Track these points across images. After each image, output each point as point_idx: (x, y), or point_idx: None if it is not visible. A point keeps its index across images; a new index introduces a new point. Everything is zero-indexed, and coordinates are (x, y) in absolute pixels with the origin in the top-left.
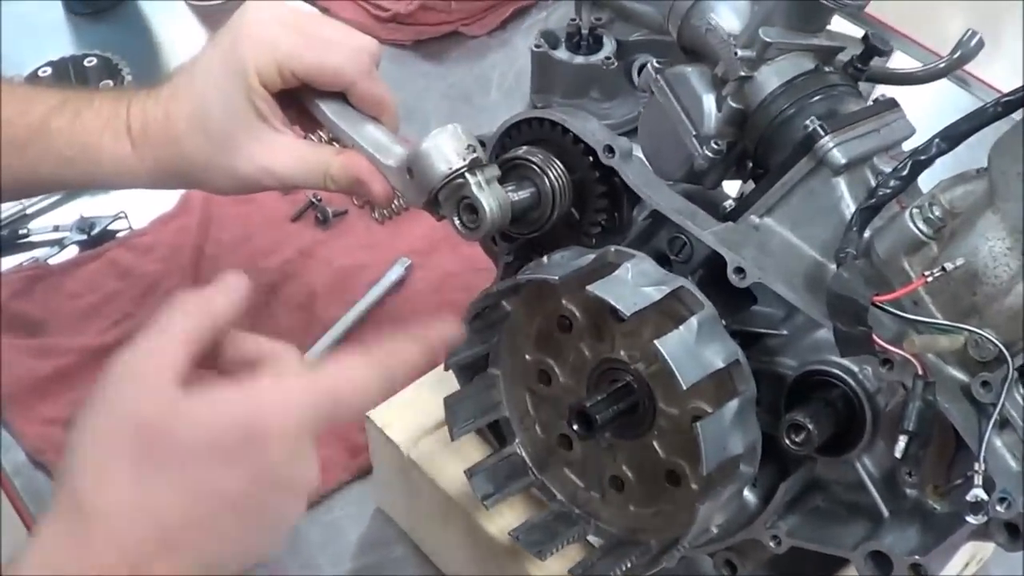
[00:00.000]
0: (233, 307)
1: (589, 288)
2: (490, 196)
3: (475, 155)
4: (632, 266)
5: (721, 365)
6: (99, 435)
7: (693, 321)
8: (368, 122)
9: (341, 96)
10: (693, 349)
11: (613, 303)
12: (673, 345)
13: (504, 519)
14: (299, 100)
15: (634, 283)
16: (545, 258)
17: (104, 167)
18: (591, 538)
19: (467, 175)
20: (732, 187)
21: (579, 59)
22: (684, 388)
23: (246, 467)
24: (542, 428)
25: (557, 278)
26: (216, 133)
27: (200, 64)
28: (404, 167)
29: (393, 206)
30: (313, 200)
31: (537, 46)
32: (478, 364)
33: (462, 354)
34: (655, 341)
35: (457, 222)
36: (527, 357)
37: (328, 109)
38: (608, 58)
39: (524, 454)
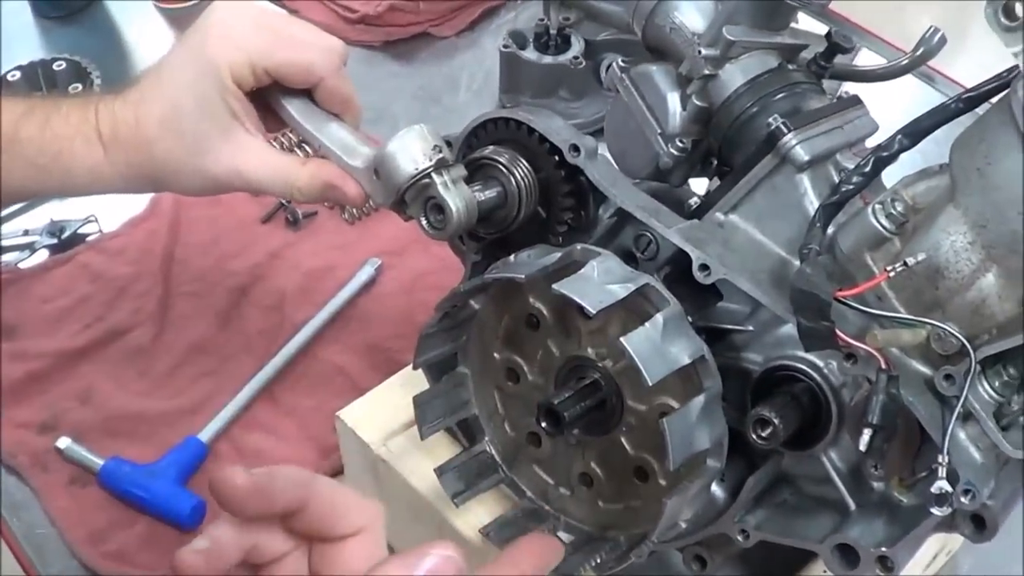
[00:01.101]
0: None
1: (555, 286)
2: (456, 196)
3: (441, 155)
4: (598, 264)
5: (687, 361)
6: None
7: (659, 318)
8: (333, 121)
9: (306, 95)
10: (659, 346)
11: (579, 301)
12: (639, 342)
13: (475, 517)
14: (265, 100)
15: (600, 281)
16: (512, 257)
17: (77, 174)
18: (561, 534)
19: (433, 175)
20: (701, 185)
21: (547, 59)
22: (650, 384)
23: None
24: (511, 426)
25: (523, 276)
26: (188, 134)
27: (169, 66)
28: (371, 168)
29: (363, 206)
30: (283, 202)
31: (505, 46)
32: (447, 363)
33: (430, 353)
34: (621, 338)
35: (424, 222)
36: (495, 355)
37: (294, 109)
38: (576, 58)
39: (493, 452)
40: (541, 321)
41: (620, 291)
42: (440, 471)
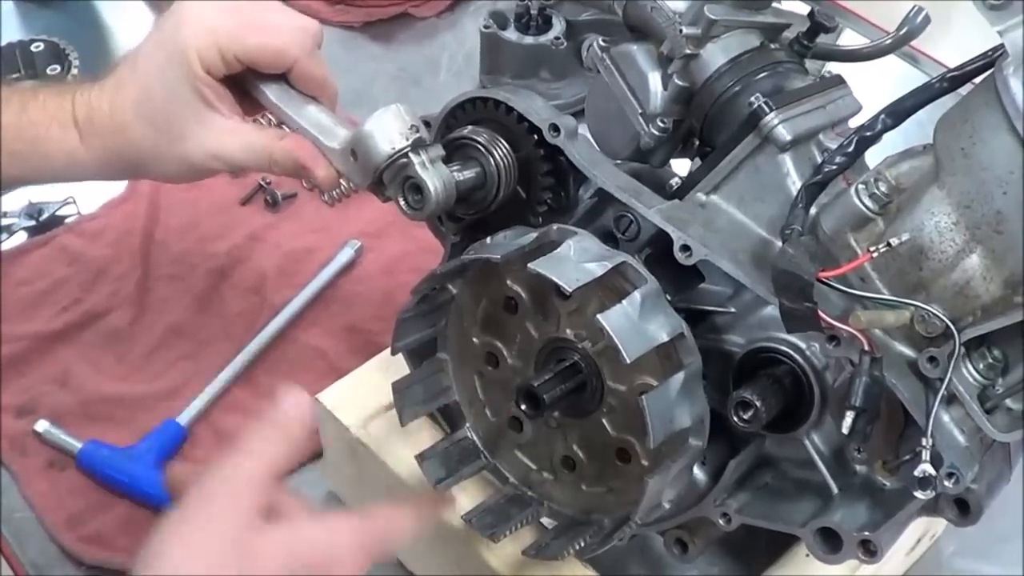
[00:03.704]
0: (305, 433)
1: (531, 265)
2: (434, 176)
3: (418, 135)
4: (575, 243)
5: (665, 338)
6: (188, 546)
7: (636, 295)
8: (310, 104)
9: (282, 78)
10: (637, 323)
11: (555, 280)
12: (616, 319)
13: (456, 501)
14: (242, 84)
15: (576, 260)
16: (489, 239)
17: (53, 160)
18: (544, 520)
19: (411, 155)
20: (684, 166)
21: (528, 39)
22: (628, 362)
23: None
24: (492, 411)
25: (499, 257)
26: (161, 120)
27: (143, 52)
28: (348, 149)
29: (343, 188)
30: (262, 183)
31: (486, 27)
32: (427, 347)
33: (409, 338)
34: (598, 316)
35: (402, 202)
36: (474, 340)
37: (271, 92)
38: (557, 38)
39: (475, 437)
40: (519, 304)
41: (597, 269)
42: (422, 457)
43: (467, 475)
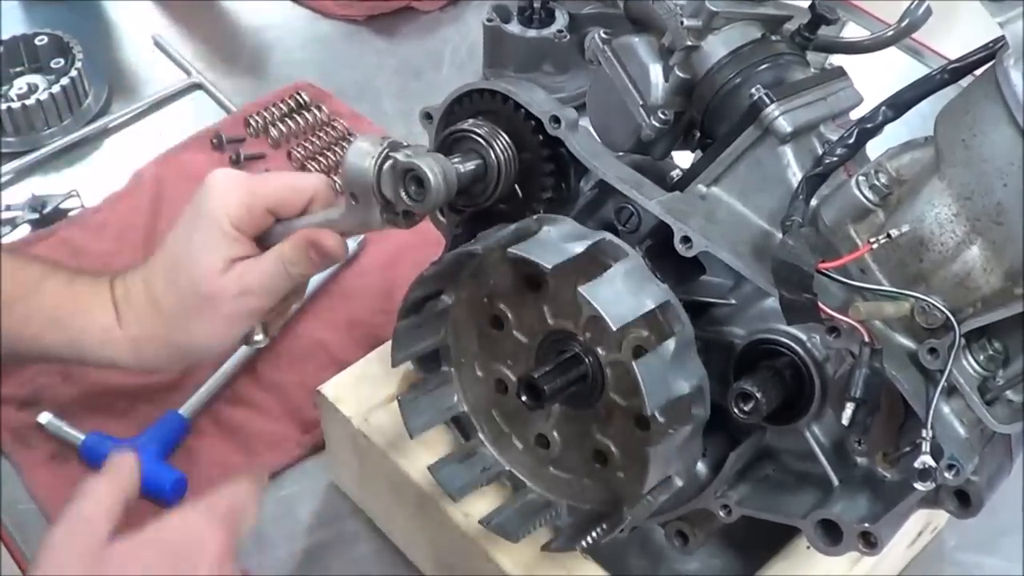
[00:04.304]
0: (135, 482)
1: (511, 250)
2: (430, 161)
3: (390, 139)
4: (555, 228)
5: (651, 306)
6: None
7: (619, 267)
8: (311, 214)
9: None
10: (621, 294)
11: (536, 259)
12: (598, 290)
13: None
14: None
15: (556, 242)
16: (474, 240)
17: (90, 333)
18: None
19: (391, 153)
20: (686, 159)
21: (531, 33)
22: (614, 328)
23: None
24: (519, 438)
25: (480, 248)
26: (188, 283)
27: (172, 231)
28: (348, 200)
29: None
30: None
31: (489, 20)
32: (431, 355)
33: (409, 350)
34: (579, 288)
35: (404, 196)
36: (479, 374)
37: (279, 228)
38: (560, 31)
39: (490, 448)
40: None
41: (577, 247)
42: (435, 468)
43: (484, 482)
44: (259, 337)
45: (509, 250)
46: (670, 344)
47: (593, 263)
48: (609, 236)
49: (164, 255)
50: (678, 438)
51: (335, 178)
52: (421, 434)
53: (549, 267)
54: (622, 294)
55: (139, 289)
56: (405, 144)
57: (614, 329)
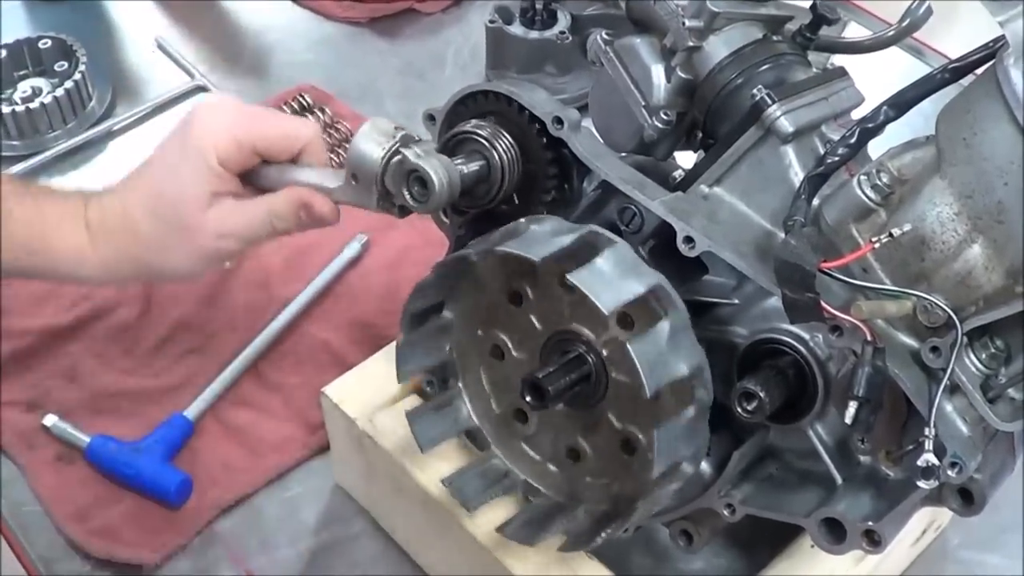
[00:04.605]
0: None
1: (498, 248)
2: (436, 163)
3: (404, 132)
4: (543, 225)
5: (642, 290)
6: None
7: (606, 253)
8: (306, 167)
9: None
10: (610, 280)
11: (522, 254)
12: (586, 276)
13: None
14: (246, 176)
15: (545, 236)
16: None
17: (61, 256)
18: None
19: (402, 149)
20: (688, 159)
21: (534, 34)
22: (606, 313)
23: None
24: (530, 445)
25: (472, 253)
26: (171, 214)
27: (155, 156)
28: (348, 177)
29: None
30: None
31: (491, 21)
32: (434, 371)
33: (413, 365)
34: (567, 275)
35: (407, 196)
36: (479, 333)
37: (271, 171)
38: (563, 33)
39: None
40: (523, 297)
41: (565, 239)
42: (449, 481)
43: (500, 494)
44: (227, 264)
45: (496, 248)
46: (664, 325)
47: (583, 255)
48: (596, 227)
49: (146, 181)
50: (682, 420)
51: (341, 152)
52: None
53: (537, 260)
54: (612, 279)
55: (117, 213)
56: (417, 139)
57: (606, 313)
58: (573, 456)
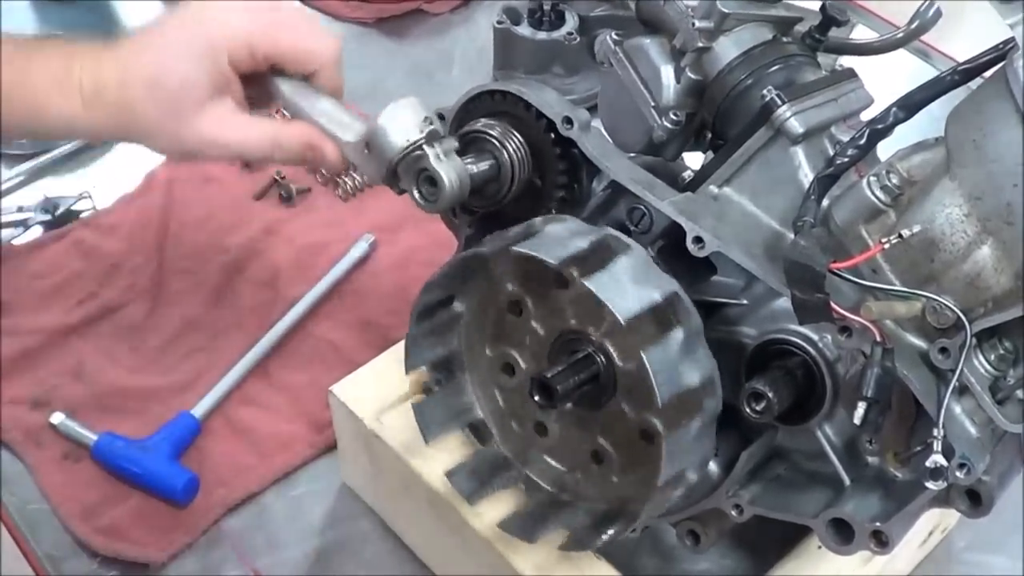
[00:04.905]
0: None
1: (515, 248)
2: (449, 168)
3: (432, 127)
4: (560, 226)
5: (659, 299)
6: None
7: (622, 259)
8: (326, 99)
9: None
10: (626, 286)
11: (540, 256)
12: (602, 281)
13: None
14: (256, 79)
15: (561, 238)
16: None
17: (51, 123)
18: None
19: (425, 147)
20: (697, 160)
21: (541, 35)
22: (623, 322)
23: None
24: (517, 421)
25: (487, 250)
26: (171, 103)
27: (161, 37)
28: (362, 143)
29: (356, 182)
30: (277, 178)
31: (499, 22)
32: (444, 363)
33: (422, 357)
34: (582, 280)
35: (416, 194)
36: (488, 353)
37: (286, 87)
38: (570, 33)
39: (505, 450)
40: (522, 304)
41: (581, 242)
42: (451, 474)
43: (499, 487)
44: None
45: (513, 248)
46: (678, 334)
47: (597, 258)
48: (613, 231)
49: (149, 62)
50: (691, 430)
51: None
52: (437, 440)
53: (554, 262)
54: (628, 286)
55: (113, 85)
56: (442, 136)
57: (622, 323)
58: (596, 459)
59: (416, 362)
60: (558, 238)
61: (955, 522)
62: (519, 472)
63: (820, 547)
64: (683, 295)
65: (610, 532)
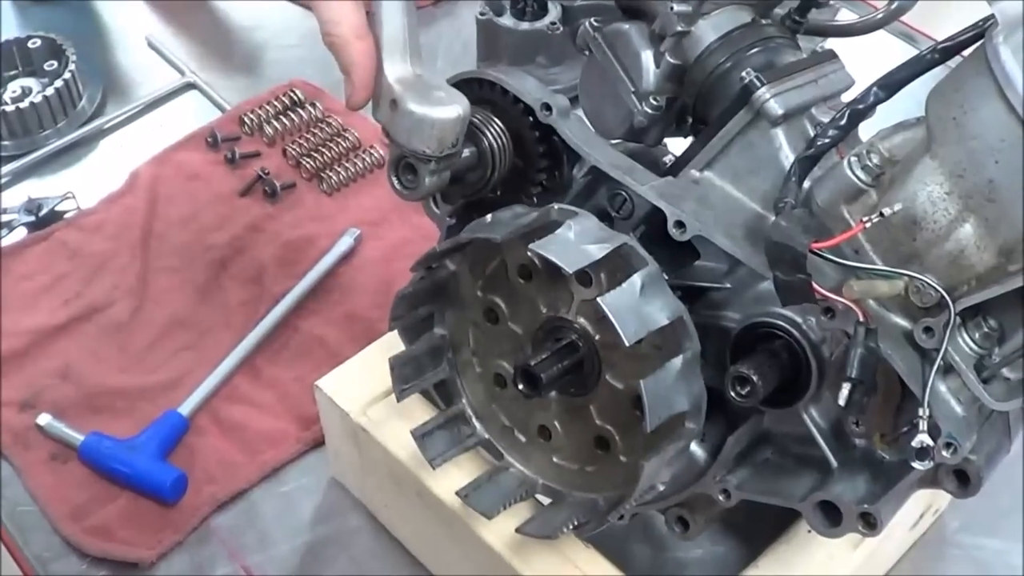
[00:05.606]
0: None
1: (532, 247)
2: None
3: (453, 151)
4: (575, 224)
5: (665, 321)
6: None
7: (636, 279)
8: (409, 14)
9: None
10: (636, 306)
11: (557, 261)
12: (616, 302)
13: (453, 481)
14: None
15: (577, 241)
16: (488, 216)
17: None
18: (539, 496)
19: (432, 164)
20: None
21: (524, 25)
22: (628, 344)
23: None
24: (483, 369)
25: (499, 237)
26: None
27: None
28: (390, 102)
29: (341, 178)
30: (261, 174)
31: (482, 13)
32: (422, 325)
33: (406, 314)
34: (598, 299)
35: (396, 182)
36: (477, 295)
37: None
38: (553, 23)
39: (469, 411)
40: (534, 273)
41: (597, 251)
42: (418, 433)
43: (462, 450)
44: None
45: (530, 247)
46: (677, 362)
47: (608, 265)
48: (630, 242)
49: None
50: (671, 370)
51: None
52: (408, 399)
53: (570, 271)
54: (638, 307)
55: None
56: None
57: (627, 345)
58: (602, 445)
59: (407, 389)
60: (574, 241)
61: (947, 504)
62: (481, 436)
63: (810, 531)
64: (687, 318)
65: (575, 522)
